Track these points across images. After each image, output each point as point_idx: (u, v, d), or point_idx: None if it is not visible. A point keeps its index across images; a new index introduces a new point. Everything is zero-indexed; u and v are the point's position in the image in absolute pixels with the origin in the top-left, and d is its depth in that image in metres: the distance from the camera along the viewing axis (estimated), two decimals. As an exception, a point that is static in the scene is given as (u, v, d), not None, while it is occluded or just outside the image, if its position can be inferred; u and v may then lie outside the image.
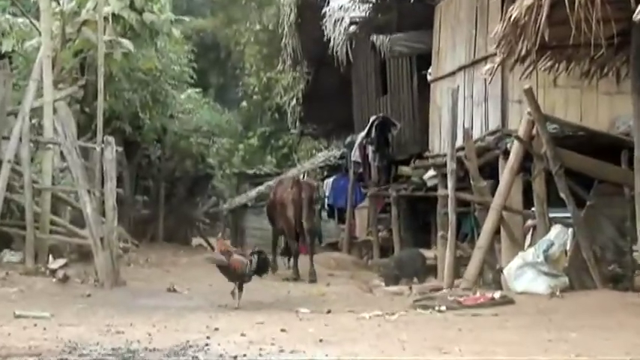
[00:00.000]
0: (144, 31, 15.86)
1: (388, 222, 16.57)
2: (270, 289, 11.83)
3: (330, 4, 18.06)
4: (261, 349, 6.39)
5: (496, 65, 9.66)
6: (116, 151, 12.30)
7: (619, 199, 10.08)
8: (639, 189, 9.13)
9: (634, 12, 7.11)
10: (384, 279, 12.59)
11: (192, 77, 20.73)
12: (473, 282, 10.64)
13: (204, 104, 23.15)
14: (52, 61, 12.86)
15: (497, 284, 10.47)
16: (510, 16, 8.27)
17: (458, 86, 12.57)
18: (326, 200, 20.80)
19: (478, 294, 9.75)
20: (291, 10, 19.82)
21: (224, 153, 25.25)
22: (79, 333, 7.21)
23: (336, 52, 17.74)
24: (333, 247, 19.47)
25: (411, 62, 16.02)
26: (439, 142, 13.95)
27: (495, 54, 9.50)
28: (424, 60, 15.07)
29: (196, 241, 21.83)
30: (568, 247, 10.36)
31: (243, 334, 7.13)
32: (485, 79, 11.65)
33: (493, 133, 12.01)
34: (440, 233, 12.17)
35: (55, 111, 12.61)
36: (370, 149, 16.72)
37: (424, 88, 15.13)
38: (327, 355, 6.17)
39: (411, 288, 11.40)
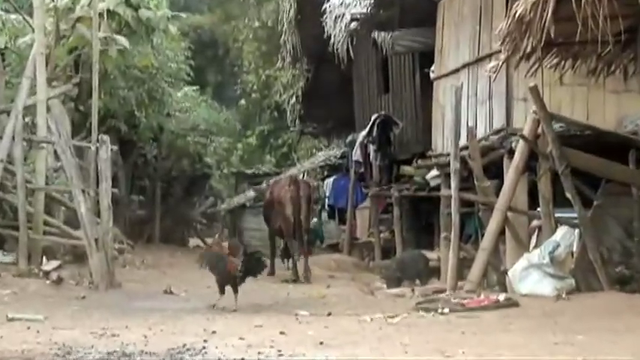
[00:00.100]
0: (140, 27, 15.87)
1: (390, 223, 16.58)
2: (269, 290, 11.84)
3: (331, 0, 18.07)
4: (259, 353, 6.39)
5: (501, 62, 9.66)
6: (111, 150, 12.31)
7: (626, 200, 10.09)
8: (647, 189, 9.14)
9: (642, 8, 7.12)
10: (386, 281, 12.59)
11: (189, 75, 20.73)
12: (477, 284, 10.64)
13: (201, 102, 23.16)
14: (45, 58, 12.86)
15: (502, 286, 10.47)
16: (515, 13, 8.27)
17: (461, 84, 12.56)
18: (326, 200, 20.82)
19: (482, 296, 9.75)
20: (290, 6, 19.83)
21: (222, 152, 25.26)
22: (73, 336, 7.21)
23: (337, 49, 17.74)
24: (334, 248, 19.47)
25: (414, 59, 16.03)
26: (442, 141, 13.95)
27: (500, 51, 9.52)
28: (427, 57, 15.07)
29: (193, 242, 21.83)
30: (574, 249, 10.36)
31: (241, 337, 7.12)
32: (489, 77, 11.66)
33: (497, 132, 12.00)
34: (443, 234, 12.17)
35: (48, 109, 12.61)
36: (372, 148, 16.72)
37: (427, 86, 15.13)
38: (327, 358, 6.17)
39: (413, 290, 11.40)
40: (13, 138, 11.99)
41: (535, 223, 11.16)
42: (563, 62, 9.74)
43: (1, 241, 12.73)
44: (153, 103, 18.53)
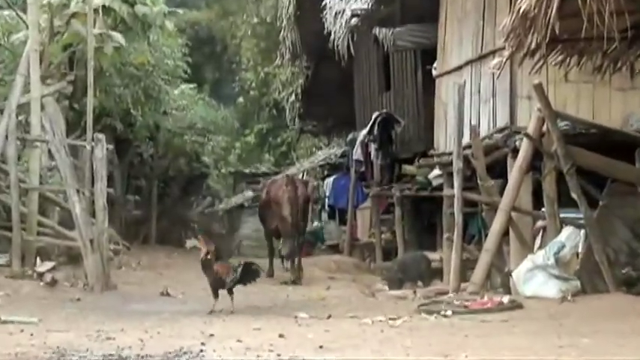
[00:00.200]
0: (136, 23, 15.85)
1: (391, 223, 16.57)
2: (268, 292, 11.84)
3: (331, -5, 18.09)
4: (258, 356, 6.39)
5: (504, 59, 9.66)
6: (107, 149, 12.30)
7: (633, 199, 10.09)
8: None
9: (649, 3, 7.12)
10: (387, 283, 12.60)
11: (186, 72, 20.74)
12: (480, 286, 10.64)
13: (198, 100, 23.18)
14: (39, 55, 12.87)
15: (506, 288, 10.47)
16: (519, 8, 8.26)
17: (464, 81, 12.56)
18: (326, 200, 20.82)
19: (485, 298, 9.76)
20: (289, 1, 19.83)
21: (219, 151, 25.27)
22: (67, 339, 7.21)
23: (337, 46, 17.74)
24: (334, 249, 19.48)
25: (416, 56, 16.02)
26: (445, 140, 13.94)
27: (504, 48, 9.51)
28: (429, 54, 15.07)
29: (190, 243, 21.79)
30: (580, 250, 10.36)
31: (239, 340, 7.12)
32: (493, 74, 11.68)
33: (501, 130, 12.00)
34: (445, 235, 12.16)
35: (42, 107, 12.62)
36: (373, 147, 16.72)
37: (429, 83, 15.13)
38: (327, 362, 6.19)
39: (415, 292, 11.41)
40: (7, 137, 11.99)
41: (540, 223, 11.16)
42: (568, 59, 9.74)
43: (-6, 242, 12.75)
44: (149, 101, 18.55)
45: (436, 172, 13.95)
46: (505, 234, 11.02)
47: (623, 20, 7.85)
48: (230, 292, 9.70)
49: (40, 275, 11.47)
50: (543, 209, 10.86)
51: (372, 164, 17.03)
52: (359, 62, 18.80)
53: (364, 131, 16.93)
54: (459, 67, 13.58)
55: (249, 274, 9.82)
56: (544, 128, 10.74)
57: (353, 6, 17.37)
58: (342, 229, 19.99)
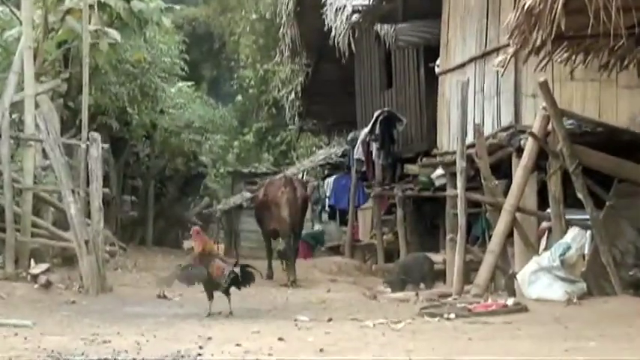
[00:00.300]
0: (132, 20, 15.85)
1: (393, 224, 16.59)
2: (268, 295, 11.84)
3: (332, -9, 18.09)
4: (257, 360, 6.40)
5: (509, 57, 9.66)
6: (102, 148, 12.31)
7: (640, 200, 10.10)
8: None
9: (656, 0, 7.13)
10: (389, 285, 12.60)
11: (183, 69, 20.76)
12: (484, 288, 10.65)
13: (196, 98, 23.21)
14: (33, 52, 12.86)
15: (510, 290, 10.48)
16: (524, 4, 8.27)
17: (468, 79, 12.56)
18: (327, 201, 20.81)
19: (490, 301, 9.76)
20: (289, -3, 19.85)
21: (218, 150, 25.31)
22: (62, 342, 7.21)
23: (338, 43, 17.73)
24: (335, 250, 19.50)
25: (418, 54, 16.03)
26: (448, 139, 13.96)
27: (508, 45, 9.51)
28: (432, 51, 15.07)
29: (188, 244, 21.83)
30: (586, 251, 10.37)
31: (238, 344, 7.12)
32: (497, 72, 11.67)
33: (506, 129, 12.02)
34: (449, 236, 12.18)
35: (36, 105, 12.63)
36: (374, 146, 16.73)
37: (432, 81, 15.14)
38: (328, 366, 6.19)
39: (417, 294, 11.41)
40: (0, 136, 11.99)
41: (545, 224, 11.18)
42: (574, 56, 9.74)
43: (-13, 244, 12.74)
44: (145, 99, 18.56)
45: (439, 171, 13.97)
46: (510, 235, 11.03)
47: (631, 17, 7.86)
48: (227, 293, 9.68)
49: (35, 277, 11.46)
50: (548, 210, 10.86)
51: (373, 164, 17.03)
52: (360, 59, 18.81)
53: (365, 130, 16.95)
54: (463, 65, 13.60)
55: (244, 278, 9.78)
56: (549, 127, 10.75)
57: (354, 2, 17.36)
58: (342, 230, 20.01)
